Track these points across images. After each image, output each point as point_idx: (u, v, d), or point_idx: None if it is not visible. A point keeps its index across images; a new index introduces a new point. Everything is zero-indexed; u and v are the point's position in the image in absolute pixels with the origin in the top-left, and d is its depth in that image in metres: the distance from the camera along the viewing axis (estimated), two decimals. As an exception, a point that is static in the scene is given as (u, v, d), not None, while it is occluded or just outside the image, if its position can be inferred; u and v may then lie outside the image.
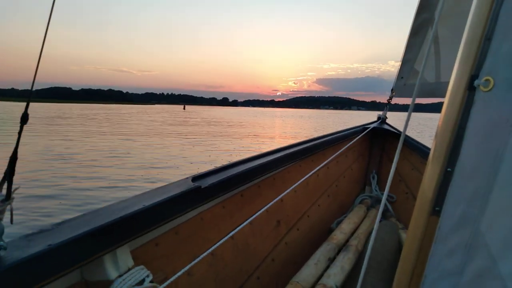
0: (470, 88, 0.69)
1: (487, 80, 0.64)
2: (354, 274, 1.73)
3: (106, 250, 0.95)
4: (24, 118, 0.77)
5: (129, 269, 1.03)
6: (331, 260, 1.78)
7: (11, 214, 0.78)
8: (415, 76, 3.04)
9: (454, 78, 0.74)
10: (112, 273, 0.99)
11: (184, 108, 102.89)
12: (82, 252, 0.88)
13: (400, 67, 3.16)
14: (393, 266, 1.73)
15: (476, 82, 0.66)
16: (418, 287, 0.78)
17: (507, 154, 0.60)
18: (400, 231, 2.15)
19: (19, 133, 0.77)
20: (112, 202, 1.14)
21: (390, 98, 3.44)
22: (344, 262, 1.72)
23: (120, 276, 0.99)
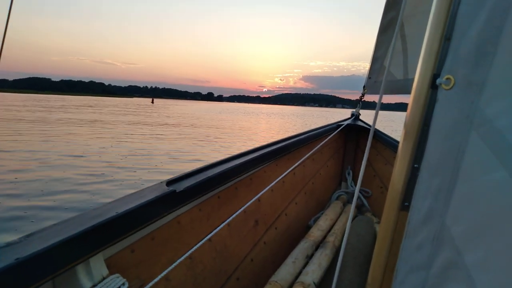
0: (433, 87, 0.71)
1: (448, 78, 0.66)
2: (332, 270, 1.76)
3: (78, 260, 0.92)
4: None
5: (104, 278, 1.01)
6: (309, 257, 1.80)
7: None
8: (386, 74, 3.11)
9: (418, 76, 0.77)
10: (86, 284, 0.96)
11: (152, 102, 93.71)
12: (53, 264, 0.85)
13: (371, 65, 3.23)
14: (369, 260, 1.77)
15: (438, 81, 0.69)
16: (391, 281, 0.80)
17: (468, 149, 0.62)
18: (375, 225, 2.20)
19: None
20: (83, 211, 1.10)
21: (362, 95, 3.52)
22: (321, 259, 1.74)
23: (94, 286, 0.97)
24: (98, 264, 1.02)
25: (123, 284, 1.01)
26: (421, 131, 0.75)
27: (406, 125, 0.80)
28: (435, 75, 0.70)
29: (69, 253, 0.89)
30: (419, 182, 0.73)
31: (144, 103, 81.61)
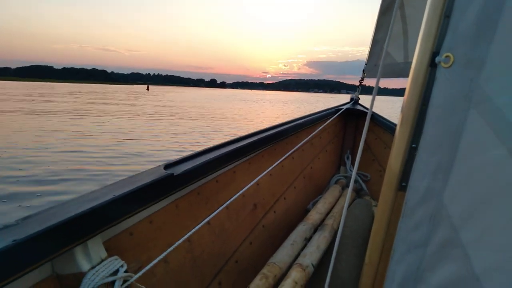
0: (432, 65, 0.70)
1: (447, 56, 0.65)
2: (330, 253, 1.78)
3: (77, 242, 0.92)
4: None
5: (102, 260, 1.02)
6: (308, 240, 1.82)
7: None
8: (385, 56, 3.08)
9: (417, 55, 0.76)
10: (84, 265, 0.97)
11: (147, 89, 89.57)
12: (51, 246, 0.85)
13: (371, 48, 3.19)
14: (367, 242, 1.79)
15: (437, 59, 0.68)
16: (388, 260, 0.80)
17: (467, 128, 0.61)
18: (374, 208, 2.21)
19: None
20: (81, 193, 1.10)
21: (362, 79, 3.49)
22: (319, 241, 1.76)
23: (93, 267, 0.98)
24: (96, 246, 1.02)
25: (122, 266, 1.02)
26: (419, 111, 0.74)
27: (404, 105, 0.79)
28: (434, 53, 0.69)
29: (67, 235, 0.89)
30: (416, 161, 0.73)
31: (139, 90, 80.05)
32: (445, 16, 0.67)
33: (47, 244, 0.84)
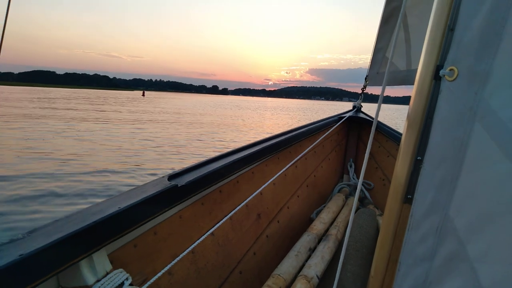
0: (436, 78, 0.70)
1: (451, 69, 0.65)
2: (334, 263, 1.76)
3: (82, 256, 0.92)
4: None
5: (107, 273, 1.01)
6: (312, 251, 1.81)
7: None
8: (386, 64, 3.09)
9: (421, 68, 0.76)
10: (90, 279, 0.97)
11: (143, 95, 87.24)
12: (56, 260, 0.85)
13: (373, 56, 3.20)
14: (372, 252, 1.77)
15: (441, 72, 0.68)
16: (394, 273, 0.80)
17: (472, 141, 0.61)
18: (378, 218, 2.19)
19: None
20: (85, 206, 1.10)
21: (364, 87, 3.49)
22: (324, 252, 1.75)
23: (98, 281, 0.97)
24: (101, 259, 1.02)
25: (127, 279, 1.02)
26: (424, 123, 0.74)
27: (409, 117, 0.79)
28: (438, 66, 0.69)
29: (73, 249, 0.89)
30: (422, 174, 0.73)
31: (134, 96, 78.29)
32: (449, 29, 0.67)
33: (53, 258, 0.84)
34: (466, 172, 0.62)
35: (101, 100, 39.59)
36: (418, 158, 0.76)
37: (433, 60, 0.71)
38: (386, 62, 3.09)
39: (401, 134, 2.86)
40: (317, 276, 1.54)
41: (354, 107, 3.67)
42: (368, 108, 3.72)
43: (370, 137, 0.91)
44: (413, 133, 0.77)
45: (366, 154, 0.94)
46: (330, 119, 3.21)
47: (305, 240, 1.86)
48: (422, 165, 0.73)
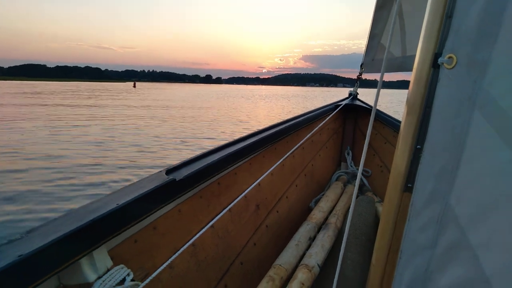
0: (435, 66, 0.70)
1: (450, 57, 0.65)
2: (334, 251, 1.78)
3: (82, 253, 0.92)
4: None
5: (108, 270, 1.01)
6: (312, 240, 1.82)
7: None
8: (382, 51, 3.08)
9: (418, 56, 0.75)
10: (91, 276, 0.97)
11: (134, 86, 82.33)
12: (57, 259, 0.85)
13: (368, 43, 3.18)
14: (371, 239, 1.79)
15: (440, 60, 0.67)
16: (395, 262, 0.80)
17: (471, 130, 0.61)
18: (377, 205, 2.21)
19: None
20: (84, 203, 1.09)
21: (360, 74, 3.49)
22: (324, 241, 1.76)
23: (99, 278, 0.97)
24: (102, 256, 1.02)
25: (128, 274, 1.02)
26: (423, 112, 0.74)
27: (407, 106, 0.79)
28: (437, 54, 0.69)
29: (73, 247, 0.89)
30: (422, 163, 0.73)
31: (124, 87, 75.45)
32: (447, 17, 0.66)
33: (53, 257, 0.84)
34: (466, 160, 0.62)
35: (87, 94, 38.33)
36: (418, 146, 0.76)
37: (431, 47, 0.70)
38: (381, 49, 3.07)
39: (397, 121, 2.87)
40: (318, 265, 1.55)
41: (350, 94, 3.66)
42: (362, 93, 3.70)
43: (369, 126, 0.91)
44: (412, 122, 0.77)
45: (365, 143, 0.94)
46: (327, 108, 3.21)
47: (305, 230, 1.87)
48: (422, 154, 0.73)
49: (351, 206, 1.00)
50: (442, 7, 0.67)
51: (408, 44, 2.43)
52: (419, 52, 0.75)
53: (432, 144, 0.70)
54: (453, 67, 0.64)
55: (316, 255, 1.61)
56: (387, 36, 2.89)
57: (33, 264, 0.79)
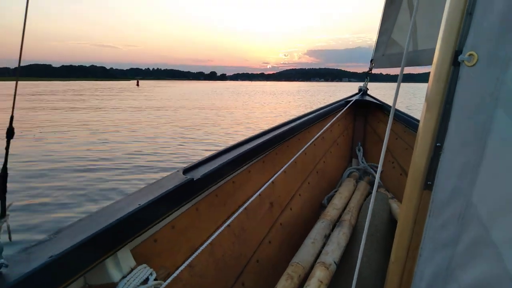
0: (455, 64, 0.70)
1: (471, 55, 0.65)
2: (349, 248, 1.78)
3: (108, 254, 0.94)
4: (10, 133, 0.75)
5: (132, 269, 1.04)
6: (327, 237, 1.82)
7: (9, 231, 0.77)
8: (392, 46, 3.06)
9: (438, 53, 0.75)
10: (116, 276, 0.99)
11: (137, 85, 78.75)
12: (84, 260, 0.87)
13: (378, 38, 3.16)
14: (386, 236, 1.79)
15: (460, 57, 0.67)
16: (415, 259, 0.81)
17: (494, 127, 0.61)
18: (390, 201, 2.20)
19: (6, 149, 0.75)
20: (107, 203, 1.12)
21: (370, 69, 3.47)
22: (339, 238, 1.76)
23: (124, 277, 1.00)
24: (125, 256, 1.04)
25: (151, 274, 1.04)
26: (443, 110, 0.74)
27: (427, 104, 0.79)
28: (457, 52, 0.69)
29: (99, 248, 0.91)
30: (442, 161, 0.73)
31: (128, 86, 73.90)
32: (468, 14, 0.66)
33: (81, 258, 0.86)
34: (489, 158, 0.62)
35: (89, 93, 38.32)
36: (438, 144, 0.76)
37: (451, 45, 0.70)
38: (391, 44, 3.05)
39: (409, 116, 2.84)
40: (334, 262, 1.56)
41: (360, 90, 3.64)
42: (370, 87, 3.68)
43: (388, 126, 0.90)
44: (432, 120, 0.77)
45: (383, 145, 0.92)
46: (337, 104, 3.20)
47: (320, 227, 1.88)
48: (442, 152, 0.73)
49: (370, 204, 1.01)
50: (462, 4, 0.67)
51: (419, 38, 2.42)
52: (438, 50, 0.74)
53: (453, 142, 0.70)
54: (474, 65, 0.64)
55: (333, 253, 1.62)
56: (398, 31, 2.87)
57: (62, 265, 0.81)
